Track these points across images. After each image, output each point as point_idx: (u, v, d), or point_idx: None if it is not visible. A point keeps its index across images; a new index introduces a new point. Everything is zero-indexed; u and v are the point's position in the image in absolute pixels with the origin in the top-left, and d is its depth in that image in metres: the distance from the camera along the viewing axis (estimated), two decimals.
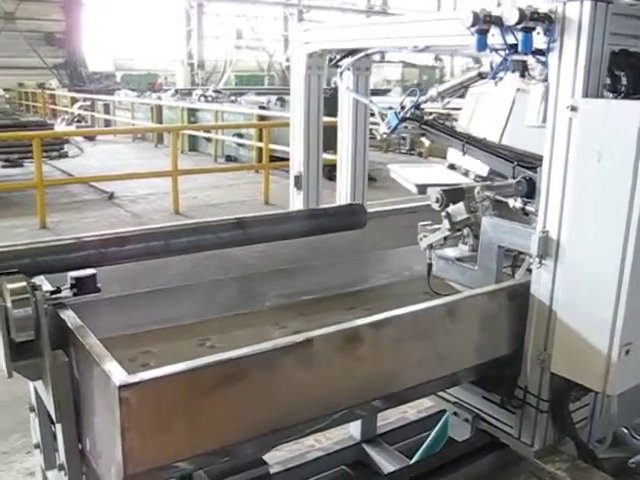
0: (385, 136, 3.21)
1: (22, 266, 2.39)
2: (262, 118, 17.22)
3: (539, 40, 2.42)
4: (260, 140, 15.38)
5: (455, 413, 3.07)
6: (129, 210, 12.62)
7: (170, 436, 1.98)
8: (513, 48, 2.46)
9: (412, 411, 4.54)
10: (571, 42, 2.36)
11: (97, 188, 14.22)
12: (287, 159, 4.08)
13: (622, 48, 2.47)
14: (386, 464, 3.98)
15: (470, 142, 3.00)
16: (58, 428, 2.29)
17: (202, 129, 20.38)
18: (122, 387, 1.82)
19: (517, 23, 2.36)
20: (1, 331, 2.14)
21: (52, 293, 2.34)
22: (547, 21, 2.36)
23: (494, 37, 2.49)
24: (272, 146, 14.04)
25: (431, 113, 3.33)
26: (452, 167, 5.25)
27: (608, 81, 2.51)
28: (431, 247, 3.16)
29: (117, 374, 1.87)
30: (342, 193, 3.85)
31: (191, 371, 1.96)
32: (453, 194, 3.07)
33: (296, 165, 3.73)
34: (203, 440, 2.07)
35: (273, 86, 34.26)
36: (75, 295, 2.38)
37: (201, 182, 14.76)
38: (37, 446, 2.69)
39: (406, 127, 3.17)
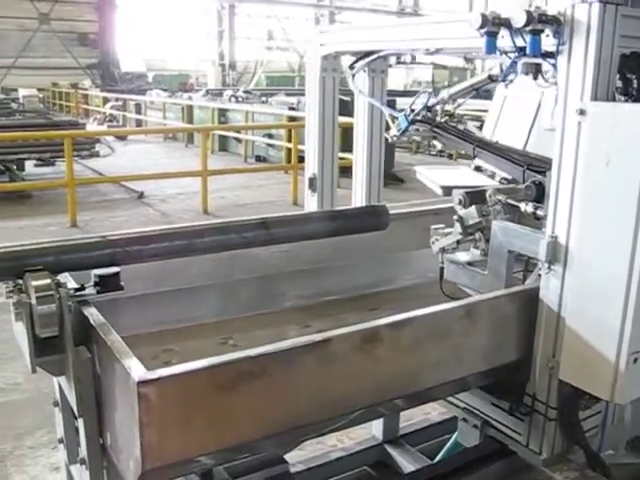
0: (395, 139, 3.19)
1: (47, 263, 2.42)
2: (292, 119, 17.21)
3: (548, 42, 2.38)
4: (289, 141, 15.39)
5: (464, 419, 3.04)
6: (158, 209, 12.72)
7: (188, 432, 1.98)
8: (522, 51, 2.43)
9: (435, 412, 4.52)
10: (580, 45, 2.31)
11: (127, 187, 14.36)
12: None
13: (633, 51, 2.42)
14: (408, 465, 3.96)
15: (480, 145, 2.97)
16: (80, 423, 2.33)
17: (232, 129, 20.45)
18: (141, 383, 1.83)
19: (525, 25, 2.33)
20: (26, 327, 2.18)
21: (76, 290, 2.38)
22: (556, 23, 2.33)
23: (504, 39, 2.46)
24: (301, 147, 13.99)
25: (451, 115, 3.29)
26: (478, 169, 5.19)
27: (620, 84, 2.46)
28: (443, 251, 3.13)
29: (136, 370, 1.88)
30: (357, 195, 3.84)
31: (210, 368, 1.97)
32: (476, 196, 3.04)
33: (311, 167, 3.72)
34: (221, 436, 2.08)
35: (303, 87, 34.16)
36: (99, 293, 2.42)
37: (230, 182, 14.83)
38: (61, 441, 2.75)
39: (417, 130, 3.14)
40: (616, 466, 3.28)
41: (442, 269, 3.15)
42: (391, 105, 3.47)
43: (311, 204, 3.73)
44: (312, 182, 3.70)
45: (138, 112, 26.42)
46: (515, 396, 2.81)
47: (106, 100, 28.99)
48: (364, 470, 4.08)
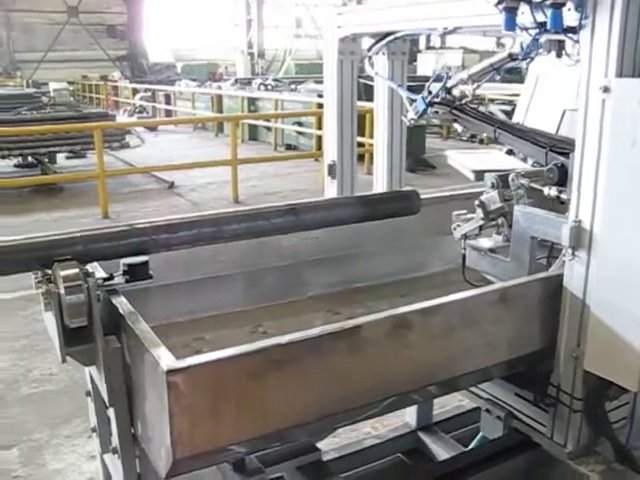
0: (413, 122, 3.09)
1: (75, 253, 2.40)
2: (321, 106, 17.02)
3: (570, 17, 2.27)
4: (319, 128, 15.29)
5: (487, 410, 2.95)
6: (189, 199, 12.75)
7: (218, 421, 1.97)
8: (543, 26, 2.32)
9: (468, 400, 4.45)
10: (604, 18, 2.20)
11: (158, 178, 14.43)
12: None
13: None
14: (442, 452, 3.89)
15: (502, 127, 2.85)
16: (111, 412, 2.33)
17: (261, 118, 20.40)
18: (169, 372, 1.82)
19: None
20: (55, 317, 2.17)
21: (105, 280, 2.37)
22: None
23: (524, 15, 2.35)
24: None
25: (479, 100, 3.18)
26: (510, 152, 5.01)
27: None
28: (465, 237, 3.04)
29: (165, 359, 1.87)
30: (379, 180, 3.75)
31: (239, 356, 1.95)
32: (508, 179, 2.94)
33: (330, 153, 3.64)
34: (251, 425, 2.06)
35: None
36: (127, 282, 2.41)
37: (260, 171, 14.82)
38: (94, 430, 2.74)
39: (437, 112, 3.04)
40: None
41: (464, 256, 3.06)
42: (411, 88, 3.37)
43: (330, 191, 3.65)
44: (331, 169, 3.62)
45: (167, 103, 26.46)
46: (539, 387, 2.71)
47: (135, 91, 29.08)
48: (398, 457, 4.01)
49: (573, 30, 2.29)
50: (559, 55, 2.54)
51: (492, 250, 2.92)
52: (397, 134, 3.67)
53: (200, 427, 1.93)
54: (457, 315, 2.41)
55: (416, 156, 13.77)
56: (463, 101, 2.96)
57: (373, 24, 3.26)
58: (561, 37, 2.36)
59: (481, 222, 2.98)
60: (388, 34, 3.20)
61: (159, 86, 28.16)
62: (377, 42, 3.35)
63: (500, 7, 2.32)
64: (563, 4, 2.24)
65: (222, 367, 1.94)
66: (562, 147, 2.64)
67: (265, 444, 2.34)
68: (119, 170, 14.95)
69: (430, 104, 2.98)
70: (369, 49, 3.41)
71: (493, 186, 2.93)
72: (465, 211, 3.08)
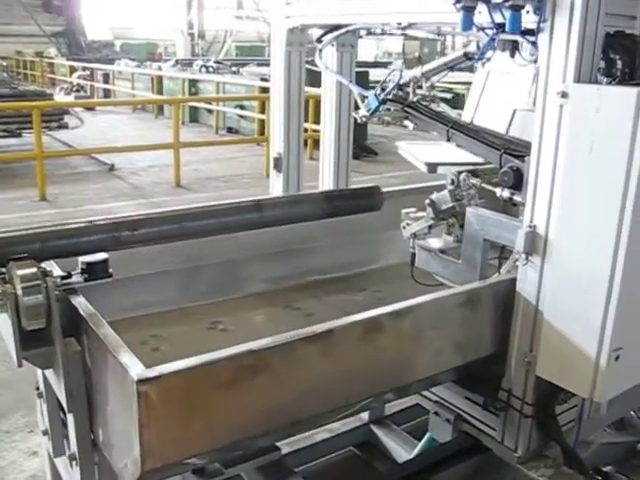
0: (364, 119, 3.01)
1: (32, 251, 2.29)
2: (264, 90, 16.86)
3: (529, 19, 2.22)
4: (262, 112, 15.11)
5: (436, 413, 2.92)
6: (130, 182, 12.44)
7: (190, 430, 1.90)
8: (501, 27, 2.27)
9: None
10: (563, 22, 2.16)
11: (98, 160, 14.01)
12: None
13: (618, 30, 2.28)
14: (394, 445, 3.91)
15: (455, 127, 2.80)
16: (69, 418, 2.23)
17: (204, 101, 20.10)
18: (140, 381, 1.74)
19: (505, 0, 2.16)
20: (11, 319, 2.07)
21: (62, 278, 2.27)
22: None
23: (481, 15, 2.30)
24: None
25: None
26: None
27: (602, 65, 2.31)
28: (414, 236, 2.99)
29: (135, 368, 1.78)
30: (325, 175, 3.68)
31: (211, 363, 1.89)
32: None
33: (276, 146, 3.54)
34: (224, 433, 2.00)
35: None
36: (86, 281, 2.32)
37: (203, 154, 14.56)
38: (45, 432, 2.63)
39: (388, 109, 2.97)
40: (605, 445, 3.21)
41: (413, 255, 3.01)
42: (361, 83, 3.29)
43: (277, 185, 3.56)
44: (277, 162, 3.52)
45: (106, 82, 25.85)
46: (490, 390, 2.69)
47: (73, 69, 28.35)
48: (350, 451, 4.03)
49: (531, 32, 2.24)
50: (513, 55, 2.50)
51: (442, 251, 2.88)
52: (344, 127, 3.60)
53: (171, 437, 1.87)
54: (409, 322, 2.36)
55: (359, 142, 13.75)
56: (415, 98, 2.89)
57: (324, 15, 3.16)
58: (519, 39, 2.31)
59: (431, 222, 2.93)
60: (339, 26, 3.12)
61: (98, 65, 27.48)
62: (326, 33, 3.25)
63: (458, 6, 2.26)
64: (522, 6, 2.19)
65: (194, 374, 1.87)
66: (517, 150, 2.59)
67: (234, 450, 2.30)
68: (58, 151, 14.50)
69: (383, 101, 2.91)
70: (318, 40, 3.31)
71: (453, 182, 2.87)
72: (415, 209, 3.02)
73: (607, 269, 2.17)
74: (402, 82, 2.93)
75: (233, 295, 3.16)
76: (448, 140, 2.81)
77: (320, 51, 3.22)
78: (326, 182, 3.65)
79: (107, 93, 25.55)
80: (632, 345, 2.31)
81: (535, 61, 2.35)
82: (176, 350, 2.55)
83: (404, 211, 3.02)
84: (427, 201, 2.90)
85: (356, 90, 3.11)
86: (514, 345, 2.55)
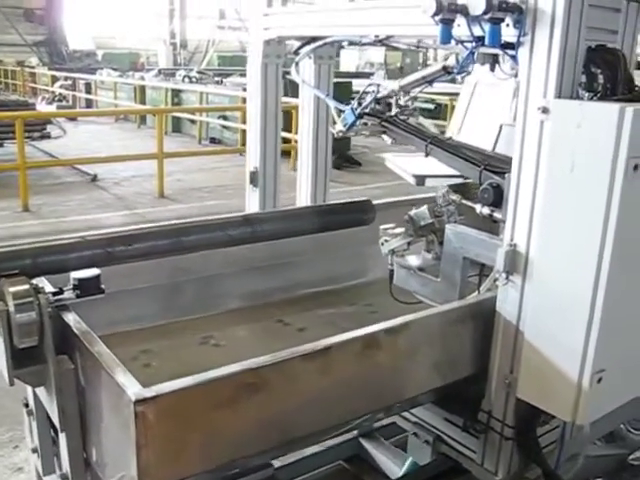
0: (341, 134, 2.94)
1: (23, 267, 2.28)
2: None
3: (509, 33, 2.17)
4: (245, 122, 15.00)
5: (415, 434, 2.84)
6: (113, 193, 12.35)
7: (188, 450, 1.88)
8: (480, 40, 2.21)
9: None
10: (543, 36, 2.11)
11: (80, 170, 13.90)
12: None
13: (599, 44, 2.23)
14: (383, 459, 3.83)
15: (434, 142, 2.73)
16: (62, 437, 2.19)
17: (187, 111, 20.03)
18: (138, 402, 1.71)
19: (484, 13, 2.11)
20: (3, 337, 2.04)
21: (54, 295, 2.24)
22: (517, 12, 2.12)
23: (460, 28, 2.24)
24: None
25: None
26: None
27: (584, 80, 2.26)
28: (393, 253, 2.92)
29: (132, 387, 1.75)
30: (303, 188, 3.61)
31: (210, 382, 1.86)
32: (458, 189, 2.89)
33: (252, 160, 3.47)
34: (219, 452, 1.97)
35: None
36: (78, 297, 2.28)
37: (186, 165, 14.50)
38: (35, 450, 2.58)
39: (366, 124, 2.90)
40: (596, 458, 3.20)
41: (392, 273, 2.94)
42: (344, 94, 3.22)
43: (253, 200, 3.48)
44: (254, 176, 3.44)
45: (88, 92, 25.72)
46: (469, 412, 2.62)
47: (55, 79, 28.18)
48: (340, 465, 3.95)
49: (511, 46, 2.19)
50: (493, 68, 2.44)
51: (421, 269, 2.81)
52: (323, 139, 3.53)
53: (168, 457, 1.84)
54: (389, 342, 2.29)
55: (342, 153, 13.74)
56: (394, 112, 2.83)
57: (301, 27, 3.09)
58: (498, 52, 2.26)
59: (409, 238, 2.87)
60: (316, 38, 3.05)
61: (80, 74, 27.33)
62: (303, 45, 3.19)
63: (436, 19, 2.20)
64: (502, 19, 2.13)
65: (192, 394, 1.83)
66: (497, 166, 2.53)
67: (230, 469, 2.21)
68: (41, 162, 14.31)
69: (360, 116, 2.84)
70: (295, 52, 3.25)
71: (444, 197, 2.82)
72: (393, 225, 2.96)
73: (589, 290, 2.11)
74: (380, 96, 2.87)
75: (223, 309, 3.15)
76: (427, 155, 2.75)
77: (297, 64, 3.15)
78: (303, 197, 3.58)
79: (89, 103, 25.42)
80: (615, 366, 2.25)
81: (516, 75, 2.29)
82: (168, 366, 2.62)
83: (382, 227, 2.96)
84: (405, 217, 2.83)
85: (333, 104, 3.05)
86: (494, 366, 2.49)
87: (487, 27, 2.16)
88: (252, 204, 3.49)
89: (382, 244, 2.93)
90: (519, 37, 2.15)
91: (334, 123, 3.00)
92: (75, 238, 2.56)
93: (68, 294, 2.27)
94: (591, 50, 2.20)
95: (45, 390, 2.18)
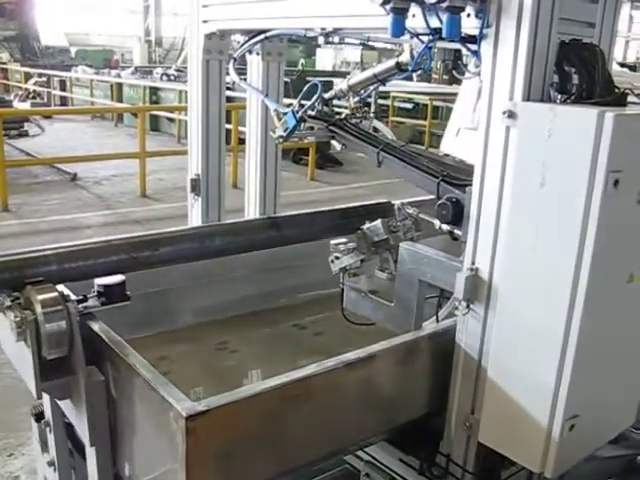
0: (281, 140, 2.61)
1: (48, 274, 2.25)
2: (230, 99, 16.45)
3: (470, 24, 1.89)
4: (228, 122, 14.71)
5: (367, 475, 2.54)
6: (94, 192, 12.08)
7: (233, 465, 1.80)
8: (437, 33, 1.92)
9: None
10: (510, 28, 1.84)
11: (59, 169, 13.63)
12: None
13: (574, 38, 1.95)
14: None
15: (386, 150, 2.41)
16: (91, 451, 2.11)
17: (169, 110, 19.69)
18: (190, 417, 1.63)
19: (441, 1, 1.81)
20: (30, 348, 1.95)
21: (79, 302, 2.17)
22: (479, 0, 1.81)
23: (415, 18, 1.94)
24: (242, 128, 13.38)
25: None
26: (446, 157, 4.54)
27: (556, 79, 1.96)
28: (345, 271, 2.61)
29: (182, 403, 1.68)
30: (251, 199, 3.28)
31: (258, 395, 1.80)
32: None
33: (193, 167, 3.14)
34: (265, 466, 1.90)
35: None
36: (103, 304, 2.23)
37: (166, 163, 14.24)
38: (51, 463, 2.56)
39: (312, 128, 2.58)
40: (607, 459, 3.02)
41: (342, 294, 2.63)
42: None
43: (195, 210, 3.15)
44: (195, 184, 3.12)
45: (63, 89, 25.24)
46: (427, 454, 2.33)
47: (28, 76, 27.63)
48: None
49: (473, 40, 1.89)
50: (454, 67, 2.14)
51: (373, 292, 2.50)
52: (272, 144, 3.18)
53: (217, 473, 1.79)
54: (332, 383, 2.01)
55: (322, 153, 13.53)
56: (343, 115, 2.51)
57: (243, 20, 2.76)
58: (458, 47, 1.96)
59: (362, 256, 2.56)
60: (261, 32, 2.73)
61: (54, 71, 26.82)
62: (249, 40, 2.87)
63: (387, 7, 1.90)
64: (462, 8, 1.85)
65: (240, 407, 1.77)
66: (458, 178, 2.22)
67: None
68: (20, 160, 14.06)
69: (302, 119, 2.52)
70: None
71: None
72: (345, 240, 2.65)
73: (562, 322, 1.84)
74: (327, 96, 2.55)
75: (230, 314, 3.09)
76: (379, 165, 2.42)
77: (235, 60, 2.84)
78: (252, 209, 3.26)
79: (64, 100, 24.91)
80: (589, 411, 1.98)
81: (479, 74, 1.98)
82: (189, 373, 2.61)
83: (333, 242, 2.65)
84: (357, 233, 2.53)
85: (273, 106, 2.73)
86: (454, 405, 2.20)
87: (445, 17, 1.86)
88: (194, 215, 3.16)
89: (332, 261, 2.62)
90: (482, 29, 1.88)
91: (274, 128, 2.67)
92: (99, 243, 2.57)
93: (92, 301, 2.20)
94: (564, 45, 1.95)
95: (71, 403, 2.11)
